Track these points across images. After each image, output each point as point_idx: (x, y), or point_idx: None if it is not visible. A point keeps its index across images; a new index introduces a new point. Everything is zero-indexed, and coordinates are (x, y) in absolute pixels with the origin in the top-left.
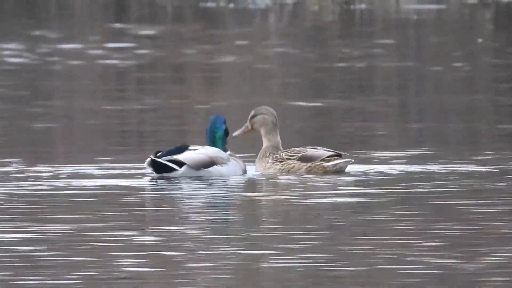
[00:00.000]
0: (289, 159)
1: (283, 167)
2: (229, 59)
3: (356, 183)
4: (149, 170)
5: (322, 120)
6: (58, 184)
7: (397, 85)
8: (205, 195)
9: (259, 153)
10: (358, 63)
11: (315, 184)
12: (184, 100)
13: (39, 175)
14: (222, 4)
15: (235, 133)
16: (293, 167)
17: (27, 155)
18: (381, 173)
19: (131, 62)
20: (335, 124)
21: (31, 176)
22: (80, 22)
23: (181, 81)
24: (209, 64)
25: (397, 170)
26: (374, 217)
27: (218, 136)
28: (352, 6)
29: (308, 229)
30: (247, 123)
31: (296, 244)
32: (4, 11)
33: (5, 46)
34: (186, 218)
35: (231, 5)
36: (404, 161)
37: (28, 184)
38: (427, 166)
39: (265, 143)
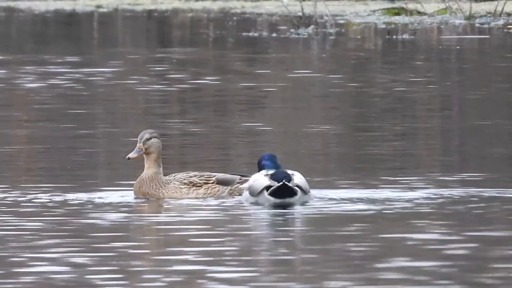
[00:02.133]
0: (207, 183)
1: (208, 191)
2: (269, 85)
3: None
4: (258, 197)
5: (362, 144)
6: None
7: (439, 110)
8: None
9: (146, 179)
10: (399, 90)
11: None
12: (224, 125)
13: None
14: (264, 33)
15: (131, 155)
16: (218, 190)
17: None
18: (428, 197)
19: (173, 88)
20: (374, 148)
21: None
22: (122, 47)
23: (221, 107)
24: (250, 89)
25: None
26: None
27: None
28: (394, 36)
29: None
30: (140, 145)
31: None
32: (47, 35)
33: (50, 69)
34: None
35: (274, 35)
36: (457, 184)
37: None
38: (481, 189)
39: (154, 168)
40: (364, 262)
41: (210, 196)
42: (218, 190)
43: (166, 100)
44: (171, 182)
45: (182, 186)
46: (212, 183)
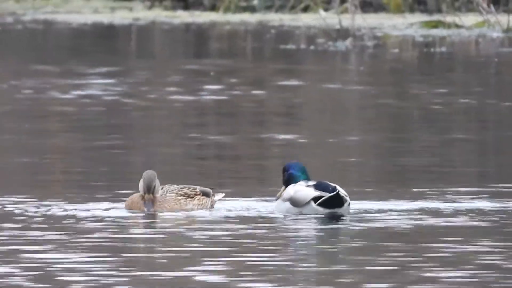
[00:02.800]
0: (197, 194)
1: (200, 202)
2: (306, 96)
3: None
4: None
5: (398, 155)
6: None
7: (476, 121)
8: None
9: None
10: (436, 102)
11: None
12: (260, 136)
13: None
14: (302, 46)
15: (150, 209)
16: (206, 201)
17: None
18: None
19: (209, 98)
20: (412, 159)
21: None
22: (159, 59)
23: (259, 118)
24: (287, 100)
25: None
26: None
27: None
28: (432, 49)
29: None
30: (150, 196)
31: None
32: (84, 48)
33: (87, 81)
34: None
35: (312, 47)
36: (485, 196)
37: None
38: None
39: None
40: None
41: (203, 208)
42: (206, 202)
43: (203, 111)
44: (167, 194)
45: (180, 198)
46: (199, 194)
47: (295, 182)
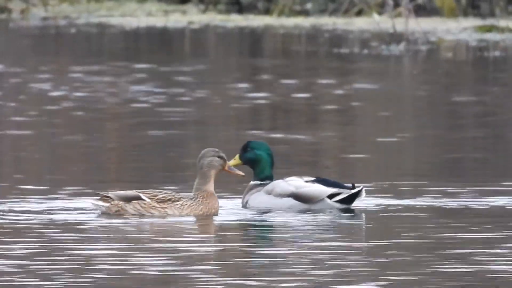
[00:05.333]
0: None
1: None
2: (359, 98)
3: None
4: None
5: (453, 151)
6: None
7: None
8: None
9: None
10: (489, 105)
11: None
12: (316, 136)
13: None
14: (356, 50)
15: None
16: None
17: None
18: None
19: (264, 97)
20: (467, 154)
21: None
22: (213, 61)
23: (314, 119)
24: (342, 103)
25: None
26: None
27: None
28: (485, 53)
29: None
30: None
31: None
32: (138, 49)
33: (143, 78)
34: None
35: (365, 51)
36: None
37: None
38: None
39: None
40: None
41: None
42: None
43: (257, 110)
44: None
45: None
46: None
47: (263, 166)
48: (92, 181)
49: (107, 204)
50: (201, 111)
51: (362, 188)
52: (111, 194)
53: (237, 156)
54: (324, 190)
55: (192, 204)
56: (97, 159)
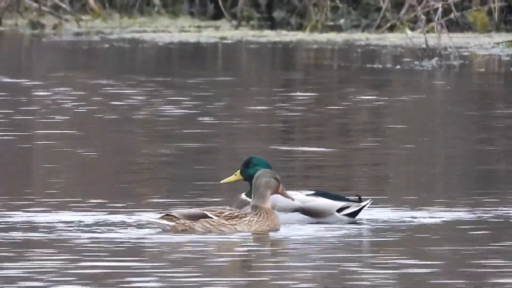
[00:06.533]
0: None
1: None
2: (392, 112)
3: None
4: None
5: (482, 164)
6: None
7: None
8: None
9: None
10: None
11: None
12: (346, 147)
13: None
14: (388, 65)
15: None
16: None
17: None
18: None
19: (299, 111)
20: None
21: None
22: (246, 75)
23: (343, 130)
24: (373, 115)
25: None
26: None
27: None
28: None
29: None
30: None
31: None
32: (171, 64)
33: (176, 93)
34: None
35: (398, 66)
36: None
37: None
38: None
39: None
40: None
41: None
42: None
43: (289, 122)
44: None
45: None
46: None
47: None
48: (122, 196)
49: (172, 223)
50: (231, 123)
51: (370, 201)
52: (175, 213)
53: (238, 172)
54: (334, 204)
55: (259, 220)
56: (126, 173)
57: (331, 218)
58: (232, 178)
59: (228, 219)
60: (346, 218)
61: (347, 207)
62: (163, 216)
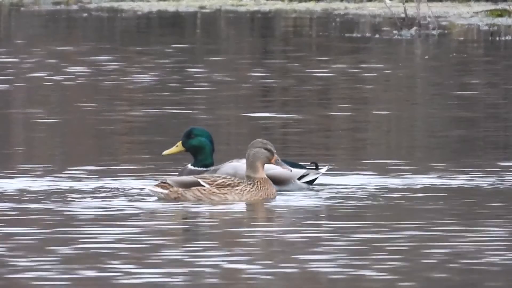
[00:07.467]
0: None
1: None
2: (372, 81)
3: None
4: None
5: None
6: None
7: None
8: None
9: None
10: (501, 88)
11: None
12: (326, 116)
13: None
14: (367, 34)
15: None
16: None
17: None
18: None
19: (279, 77)
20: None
21: None
22: (225, 43)
23: (326, 100)
24: (352, 83)
25: None
26: None
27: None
28: (497, 38)
29: None
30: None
31: None
32: (150, 34)
33: (155, 62)
34: None
35: (376, 36)
36: None
37: None
38: None
39: None
40: None
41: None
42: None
43: (270, 90)
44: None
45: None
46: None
47: (206, 152)
48: (101, 160)
49: (165, 191)
50: (211, 91)
51: (327, 167)
52: (169, 180)
53: (179, 143)
54: (294, 172)
55: (251, 190)
56: (106, 138)
57: (292, 186)
58: (173, 149)
59: (220, 187)
60: (305, 185)
61: (307, 175)
62: (158, 184)
